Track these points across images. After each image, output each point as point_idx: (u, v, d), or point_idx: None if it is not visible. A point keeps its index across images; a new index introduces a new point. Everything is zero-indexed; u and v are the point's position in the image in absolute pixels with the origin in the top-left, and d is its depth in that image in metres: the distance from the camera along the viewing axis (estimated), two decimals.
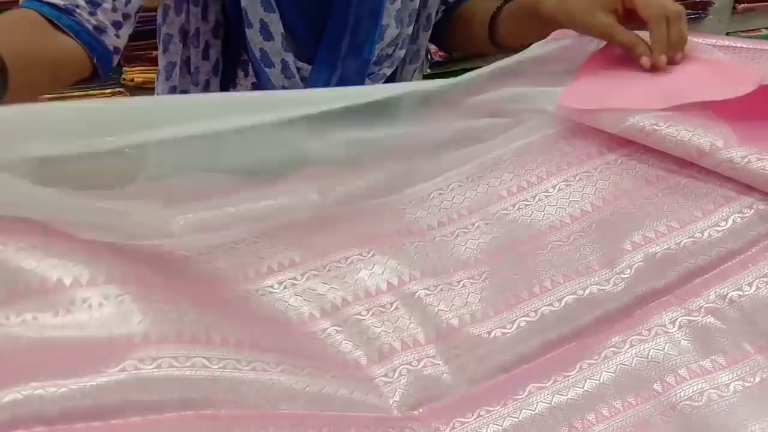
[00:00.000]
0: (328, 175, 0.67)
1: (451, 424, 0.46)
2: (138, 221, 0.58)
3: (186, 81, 0.84)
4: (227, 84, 0.84)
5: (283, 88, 0.80)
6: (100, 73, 0.71)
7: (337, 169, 0.68)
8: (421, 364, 0.50)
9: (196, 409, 0.39)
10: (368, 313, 0.52)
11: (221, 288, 0.53)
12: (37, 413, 0.35)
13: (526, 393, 0.47)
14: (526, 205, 0.58)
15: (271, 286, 0.54)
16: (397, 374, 0.49)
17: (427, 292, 0.53)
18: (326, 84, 0.81)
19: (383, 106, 0.79)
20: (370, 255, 0.55)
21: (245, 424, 0.39)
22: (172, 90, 0.85)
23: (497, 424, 0.45)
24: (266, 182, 0.67)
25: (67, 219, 0.51)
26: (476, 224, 0.58)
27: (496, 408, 0.46)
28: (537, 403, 0.46)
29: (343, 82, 0.81)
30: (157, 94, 0.88)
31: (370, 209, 0.60)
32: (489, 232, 0.57)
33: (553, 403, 0.46)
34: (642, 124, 0.57)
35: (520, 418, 0.46)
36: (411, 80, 0.91)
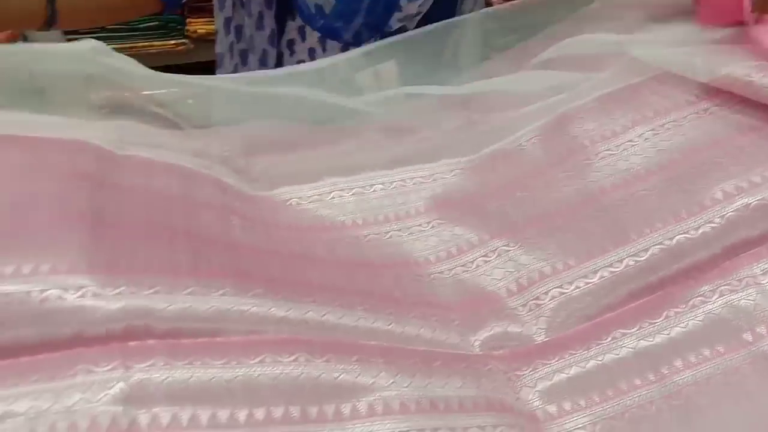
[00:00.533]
0: (399, 127, 0.67)
1: (533, 365, 0.46)
2: (218, 156, 0.59)
3: (240, 14, 0.85)
4: (284, 16, 0.84)
5: (316, 6, 0.79)
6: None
7: (407, 121, 0.68)
8: (503, 314, 0.50)
9: (291, 334, 0.40)
10: (450, 272, 0.53)
11: (308, 233, 0.54)
12: (147, 329, 0.37)
13: (610, 338, 0.46)
14: (611, 154, 0.56)
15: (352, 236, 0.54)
16: (478, 322, 0.49)
17: (507, 248, 0.53)
18: (357, 7, 0.78)
19: (439, 56, 0.78)
20: (450, 219, 0.56)
21: (339, 348, 0.40)
22: (227, 22, 0.87)
23: (580, 366, 0.45)
24: (335, 131, 0.67)
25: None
26: (557, 176, 0.57)
27: (579, 351, 0.46)
28: (621, 347, 0.46)
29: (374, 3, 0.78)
30: (216, 29, 0.89)
31: (450, 171, 0.60)
32: (570, 184, 0.56)
33: (638, 349, 0.45)
34: (736, 74, 0.55)
35: (604, 361, 0.45)
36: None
